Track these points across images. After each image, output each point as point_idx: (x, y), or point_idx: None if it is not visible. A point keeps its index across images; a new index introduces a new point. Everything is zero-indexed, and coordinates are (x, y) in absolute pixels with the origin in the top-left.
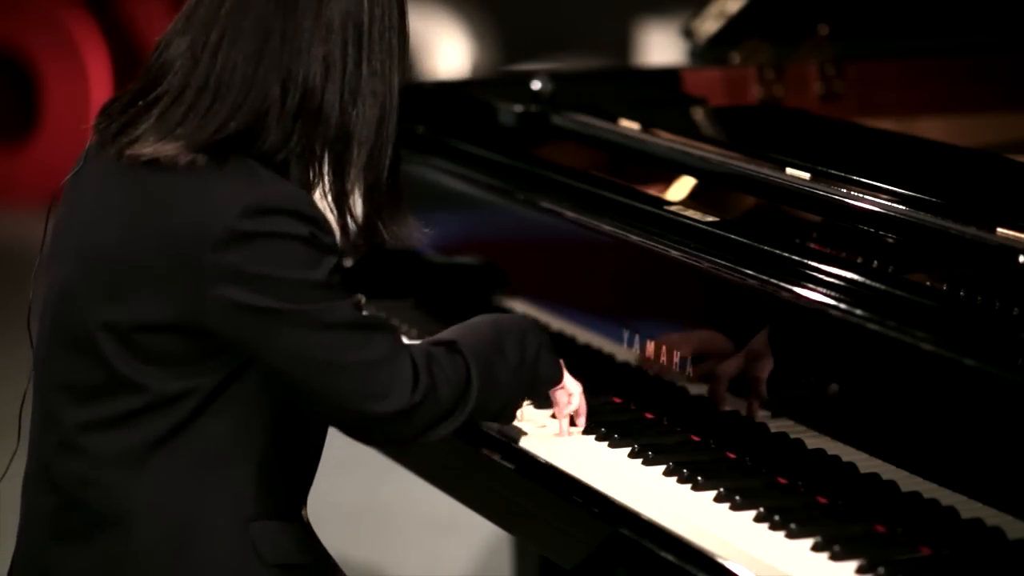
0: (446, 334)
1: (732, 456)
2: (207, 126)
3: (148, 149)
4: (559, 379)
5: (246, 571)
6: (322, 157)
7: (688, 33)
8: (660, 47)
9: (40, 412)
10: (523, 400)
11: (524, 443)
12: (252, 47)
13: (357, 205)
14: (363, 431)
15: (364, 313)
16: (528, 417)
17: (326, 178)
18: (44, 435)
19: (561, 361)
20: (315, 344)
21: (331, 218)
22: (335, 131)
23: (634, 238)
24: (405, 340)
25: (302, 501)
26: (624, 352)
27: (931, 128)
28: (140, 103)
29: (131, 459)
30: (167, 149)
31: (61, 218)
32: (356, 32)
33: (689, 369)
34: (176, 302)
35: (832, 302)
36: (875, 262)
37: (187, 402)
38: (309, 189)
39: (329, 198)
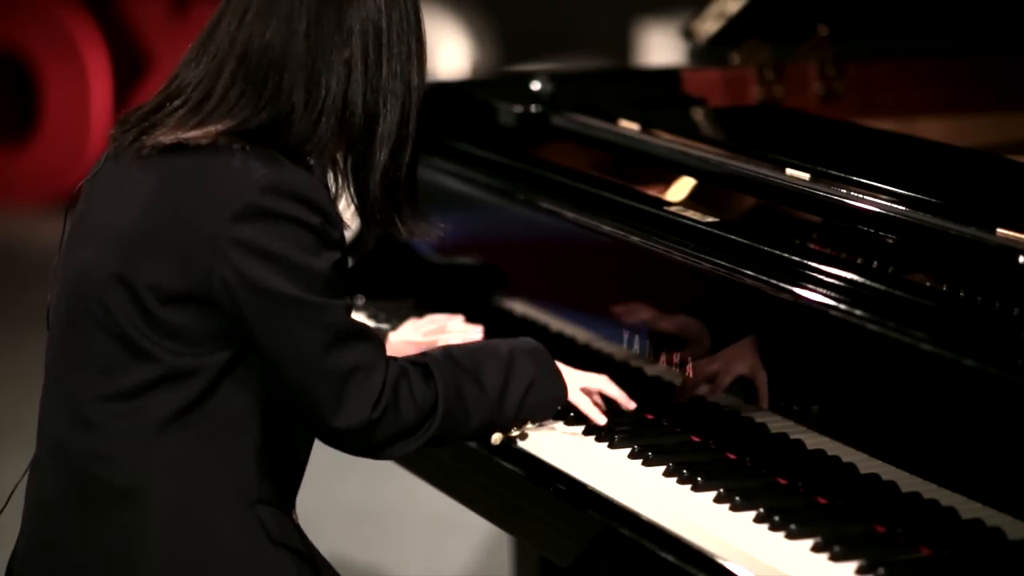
0: (430, 355)
1: (732, 457)
2: (229, 121)
3: (171, 137)
4: (562, 396)
5: (254, 547)
6: (345, 156)
7: (688, 34)
8: (660, 48)
9: (53, 394)
10: (509, 424)
11: (525, 444)
12: (276, 55)
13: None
14: (326, 437)
15: (353, 319)
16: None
17: (349, 176)
18: (57, 415)
19: (564, 376)
20: (302, 335)
21: (348, 214)
22: (358, 131)
23: (634, 239)
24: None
25: (292, 503)
26: (624, 353)
27: (931, 128)
28: (163, 110)
29: (142, 434)
30: (191, 134)
31: (79, 213)
32: (375, 36)
33: (689, 369)
34: (189, 272)
35: (832, 302)
36: (875, 262)
37: (198, 379)
38: (328, 186)
39: (353, 194)
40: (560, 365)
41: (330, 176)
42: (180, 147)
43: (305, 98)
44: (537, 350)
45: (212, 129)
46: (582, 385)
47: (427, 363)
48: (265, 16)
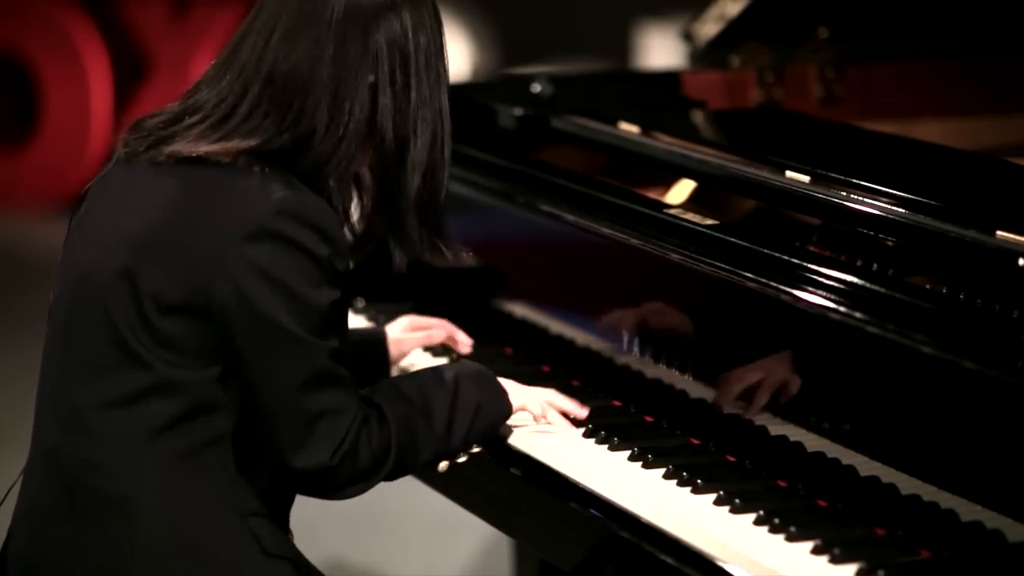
0: (381, 393)
1: (732, 459)
2: (251, 139)
3: (191, 149)
4: (507, 414)
5: (246, 558)
6: (377, 183)
7: (688, 36)
8: (660, 50)
9: (48, 399)
10: (457, 451)
11: (524, 447)
12: (302, 78)
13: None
14: (281, 473)
15: (335, 363)
16: (527, 421)
17: (381, 202)
18: (51, 421)
19: (509, 395)
20: (283, 367)
21: (350, 234)
22: (390, 156)
23: (634, 241)
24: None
25: (285, 520)
26: (624, 355)
27: (930, 131)
28: (182, 123)
29: (136, 443)
30: (211, 148)
31: (83, 215)
32: (402, 60)
33: (689, 372)
34: (191, 284)
35: (832, 305)
36: (875, 265)
37: (190, 391)
38: (345, 209)
39: (387, 221)
40: (506, 382)
41: (355, 198)
42: (199, 161)
43: (327, 121)
44: (481, 373)
45: (233, 146)
46: (527, 402)
47: (380, 404)
48: (292, 39)
